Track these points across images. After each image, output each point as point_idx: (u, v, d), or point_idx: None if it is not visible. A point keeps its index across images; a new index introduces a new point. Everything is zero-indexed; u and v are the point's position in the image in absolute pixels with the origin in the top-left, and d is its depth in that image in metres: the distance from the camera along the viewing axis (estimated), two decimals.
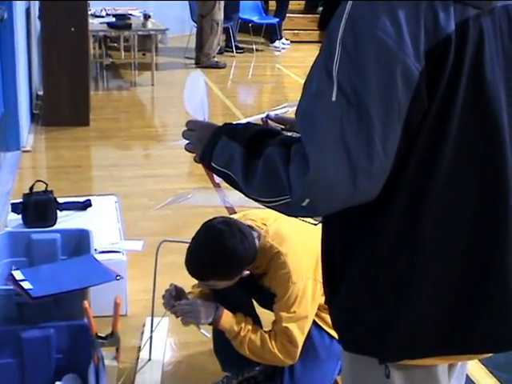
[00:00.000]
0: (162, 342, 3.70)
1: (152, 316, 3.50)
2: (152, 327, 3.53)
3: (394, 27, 1.48)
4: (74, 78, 7.57)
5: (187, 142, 1.89)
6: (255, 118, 2.52)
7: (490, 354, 1.86)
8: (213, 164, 1.76)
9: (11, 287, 3.15)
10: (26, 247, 3.73)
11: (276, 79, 11.32)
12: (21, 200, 4.25)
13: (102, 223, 4.30)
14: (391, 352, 1.72)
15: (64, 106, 7.54)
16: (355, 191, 1.52)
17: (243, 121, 2.06)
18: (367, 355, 1.76)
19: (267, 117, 2.33)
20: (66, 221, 4.29)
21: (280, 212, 1.65)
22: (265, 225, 2.97)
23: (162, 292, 3.50)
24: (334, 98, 1.50)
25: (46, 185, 4.31)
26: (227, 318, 2.92)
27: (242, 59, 12.00)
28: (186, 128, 1.91)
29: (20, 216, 4.21)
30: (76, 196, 4.74)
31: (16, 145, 6.72)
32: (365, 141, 1.49)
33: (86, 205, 4.54)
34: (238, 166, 1.67)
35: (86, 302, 2.97)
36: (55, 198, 4.27)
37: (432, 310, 1.67)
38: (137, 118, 8.44)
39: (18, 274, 3.22)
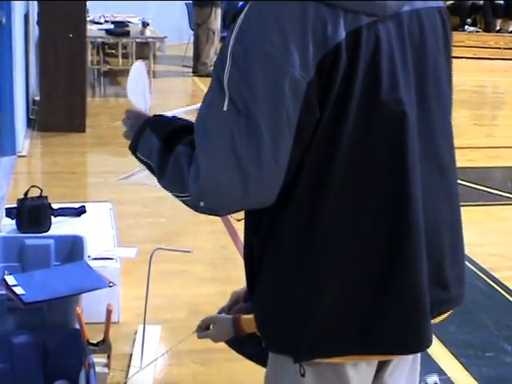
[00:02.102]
0: (154, 349, 3.69)
1: (144, 324, 3.49)
2: (144, 335, 3.52)
3: (281, 39, 1.51)
4: (71, 83, 7.58)
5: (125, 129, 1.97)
6: (193, 108, 2.52)
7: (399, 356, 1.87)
8: (138, 153, 1.84)
9: (3, 292, 3.14)
10: (19, 252, 3.71)
11: None
12: (15, 205, 4.24)
13: (97, 230, 4.29)
14: (304, 351, 1.73)
15: (60, 111, 7.53)
16: (247, 197, 1.58)
17: (176, 111, 2.19)
18: (283, 354, 1.78)
19: None
20: (60, 227, 4.28)
21: (189, 207, 1.71)
22: None
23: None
24: (225, 108, 1.55)
25: (41, 190, 4.30)
26: (247, 325, 2.87)
27: None
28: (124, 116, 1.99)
29: (14, 221, 4.21)
30: (71, 202, 4.74)
31: (11, 150, 6.71)
32: (254, 150, 1.53)
33: (80, 211, 4.54)
34: (155, 158, 1.75)
35: (78, 309, 2.96)
36: (50, 204, 4.26)
37: (339, 310, 1.68)
38: None
39: (10, 279, 3.21)
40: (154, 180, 1.83)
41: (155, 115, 1.91)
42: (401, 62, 1.64)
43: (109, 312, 2.98)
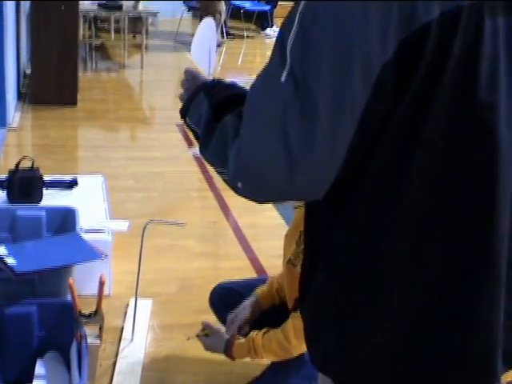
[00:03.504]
0: (145, 323, 3.68)
1: (136, 297, 3.48)
2: (136, 308, 3.51)
3: (361, 8, 1.26)
4: (63, 57, 7.49)
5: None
6: None
7: None
8: (187, 118, 1.68)
9: None
10: (11, 223, 3.68)
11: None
12: (6, 176, 4.20)
13: (88, 202, 4.26)
14: (350, 379, 1.52)
15: (52, 85, 7.45)
16: (291, 186, 1.35)
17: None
18: (327, 376, 1.58)
19: None
20: (52, 199, 4.24)
21: (228, 186, 1.50)
22: None
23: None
24: (282, 79, 1.31)
25: (33, 162, 4.26)
26: (238, 353, 2.88)
27: (232, 45, 11.95)
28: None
29: (4, 193, 4.17)
30: (61, 175, 4.70)
31: (2, 122, 6.65)
32: (307, 133, 1.29)
33: (72, 183, 4.49)
34: (202, 126, 1.58)
35: (70, 279, 2.94)
36: (41, 176, 4.23)
37: (393, 343, 1.45)
38: (125, 100, 8.38)
39: (1, 250, 3.18)
40: None
41: (214, 79, 1.71)
42: (506, 60, 1.36)
43: (101, 283, 2.96)
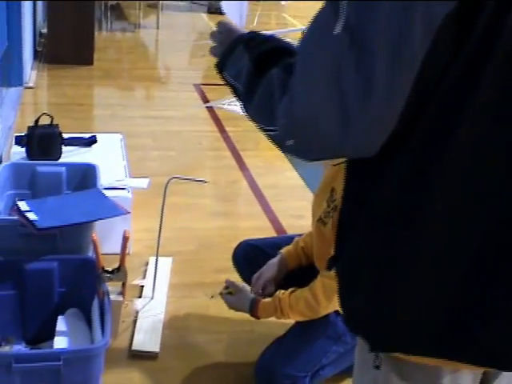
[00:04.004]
0: (165, 281, 3.66)
1: (157, 255, 3.45)
2: (156, 266, 3.48)
3: None
4: (79, 16, 7.46)
5: (214, 44, 1.72)
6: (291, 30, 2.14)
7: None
8: (224, 73, 1.61)
9: (16, 217, 3.08)
10: (31, 179, 3.66)
11: (280, 28, 11.17)
12: (25, 132, 4.17)
13: (107, 160, 4.22)
14: (382, 340, 1.48)
15: (68, 44, 7.44)
16: (346, 142, 1.28)
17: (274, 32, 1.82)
18: (361, 337, 1.55)
19: None
20: (71, 156, 4.21)
21: (273, 144, 1.44)
22: None
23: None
24: (337, 31, 1.23)
25: (52, 118, 4.22)
26: (263, 312, 2.86)
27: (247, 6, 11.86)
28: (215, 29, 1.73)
29: (24, 149, 4.13)
30: (79, 133, 4.67)
31: (19, 80, 6.63)
32: (363, 87, 1.22)
33: (91, 141, 4.46)
34: (243, 80, 1.50)
35: (94, 234, 2.90)
36: (60, 132, 4.19)
37: (430, 300, 1.39)
38: (141, 59, 8.34)
39: (23, 205, 3.14)
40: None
41: (251, 31, 1.62)
42: None
43: (125, 239, 2.92)
